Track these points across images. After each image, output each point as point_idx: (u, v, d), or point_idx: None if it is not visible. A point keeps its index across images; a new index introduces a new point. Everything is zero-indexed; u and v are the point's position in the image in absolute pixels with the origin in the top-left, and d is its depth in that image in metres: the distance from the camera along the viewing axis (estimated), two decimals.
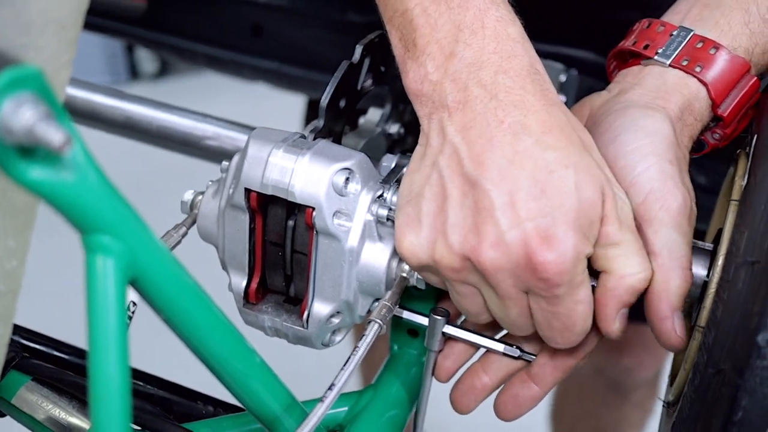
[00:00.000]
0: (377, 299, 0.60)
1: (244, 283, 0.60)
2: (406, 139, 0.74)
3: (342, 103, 0.62)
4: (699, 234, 0.59)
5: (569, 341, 0.54)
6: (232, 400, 0.56)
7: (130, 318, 0.54)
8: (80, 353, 0.67)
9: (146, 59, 3.22)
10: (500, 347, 0.61)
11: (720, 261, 0.56)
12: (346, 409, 0.64)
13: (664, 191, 0.54)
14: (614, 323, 0.54)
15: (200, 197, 0.62)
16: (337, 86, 0.60)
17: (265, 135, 0.58)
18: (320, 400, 0.53)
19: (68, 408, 0.61)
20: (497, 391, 0.63)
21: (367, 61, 0.63)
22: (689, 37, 0.59)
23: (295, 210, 0.58)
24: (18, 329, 0.66)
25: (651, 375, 1.32)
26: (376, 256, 0.58)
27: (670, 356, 1.32)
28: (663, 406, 0.63)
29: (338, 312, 0.60)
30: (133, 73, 3.25)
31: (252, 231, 0.59)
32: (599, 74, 0.65)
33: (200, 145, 0.83)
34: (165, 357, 1.04)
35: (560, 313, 0.52)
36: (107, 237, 0.40)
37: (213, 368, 0.50)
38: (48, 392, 0.61)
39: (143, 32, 1.11)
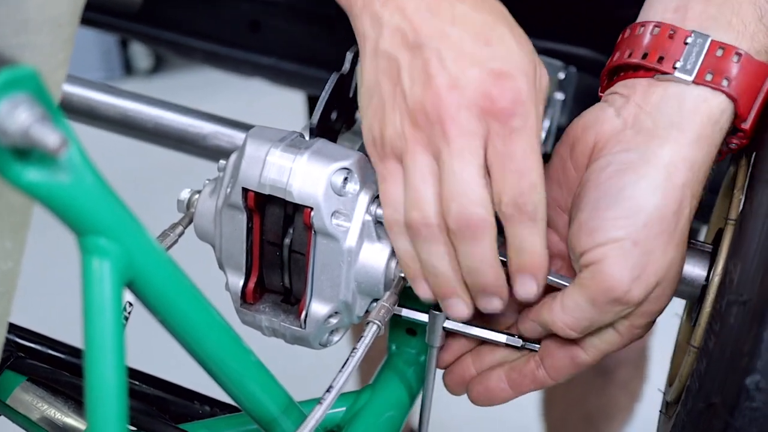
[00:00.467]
0: (375, 299, 0.59)
1: (242, 282, 0.60)
2: None
3: (334, 116, 0.61)
4: (693, 232, 0.58)
5: (522, 190, 0.52)
6: (229, 400, 0.55)
7: (126, 319, 0.53)
8: (76, 353, 0.66)
9: (141, 55, 3.21)
10: (502, 338, 0.61)
11: (719, 266, 0.56)
12: (344, 409, 0.64)
13: (607, 270, 0.52)
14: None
15: (197, 196, 0.62)
16: (328, 101, 0.60)
17: (263, 134, 0.57)
18: (318, 401, 0.52)
19: (64, 408, 0.60)
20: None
21: (358, 67, 0.62)
22: (707, 44, 0.53)
23: (293, 210, 0.57)
24: (13, 328, 0.66)
25: (632, 354, 1.33)
26: (375, 257, 0.57)
27: (653, 337, 1.32)
28: (660, 412, 0.64)
29: (336, 312, 0.59)
30: (128, 68, 3.24)
31: (249, 230, 0.58)
32: (598, 71, 0.63)
33: (197, 143, 0.82)
34: (161, 356, 1.03)
35: (515, 152, 0.52)
36: (103, 239, 0.39)
37: (209, 369, 0.50)
38: (43, 392, 0.61)
39: (140, 27, 1.10)
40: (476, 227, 0.52)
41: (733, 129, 0.55)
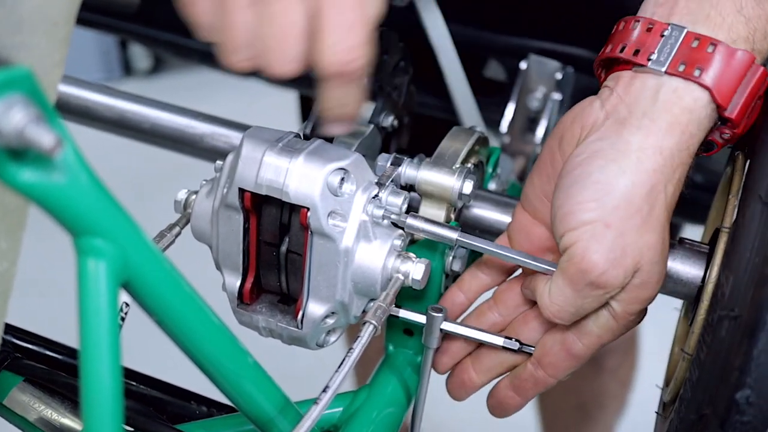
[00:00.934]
0: (372, 299, 0.59)
1: (238, 283, 0.60)
2: (401, 131, 0.74)
3: None
4: (674, 228, 0.59)
5: (351, 48, 0.50)
6: (226, 400, 0.55)
7: (123, 320, 0.53)
8: (73, 353, 0.66)
9: (140, 56, 3.21)
10: (499, 341, 0.61)
11: (714, 272, 0.56)
12: (340, 409, 0.64)
13: (582, 252, 0.54)
14: None
15: (194, 197, 0.62)
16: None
17: (260, 134, 0.57)
18: (315, 401, 0.52)
19: (60, 409, 0.60)
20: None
21: None
22: (682, 36, 0.54)
23: (290, 210, 0.57)
24: (10, 329, 0.66)
25: (620, 342, 1.33)
26: (371, 257, 0.57)
27: (641, 327, 1.33)
28: (657, 414, 0.64)
29: (333, 312, 0.59)
30: (127, 69, 3.24)
31: (246, 231, 0.58)
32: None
33: (194, 144, 0.82)
34: (158, 357, 1.03)
35: (275, 12, 0.49)
36: (99, 240, 0.39)
37: (206, 370, 0.50)
38: (40, 393, 0.61)
39: (138, 28, 1.10)
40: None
41: (723, 119, 0.56)
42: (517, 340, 0.61)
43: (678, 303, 0.67)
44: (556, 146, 0.59)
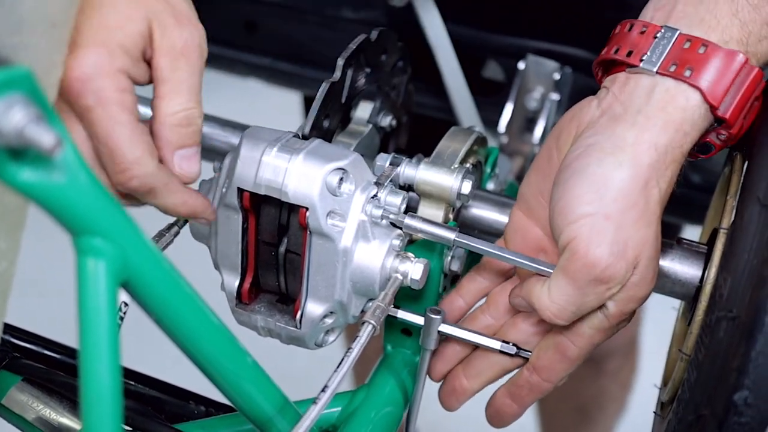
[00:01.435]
0: (371, 299, 0.59)
1: (237, 283, 0.60)
2: (399, 131, 0.74)
3: (326, 123, 0.61)
4: (673, 228, 0.59)
5: (123, 170, 0.51)
6: (224, 400, 0.55)
7: (122, 319, 0.53)
8: (72, 352, 0.66)
9: None
10: (496, 344, 0.61)
11: (712, 273, 0.56)
12: (339, 409, 0.64)
13: (584, 247, 0.54)
14: (173, 163, 0.54)
15: None
16: (319, 110, 0.59)
17: (258, 134, 0.57)
18: (313, 401, 0.52)
19: (59, 408, 0.60)
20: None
21: (350, 72, 0.62)
22: (675, 37, 0.55)
23: (289, 210, 0.57)
24: (8, 328, 0.66)
25: (621, 345, 1.34)
26: (370, 257, 0.57)
27: (641, 327, 1.33)
28: (655, 414, 0.64)
29: (332, 312, 0.59)
30: None
31: (245, 231, 0.58)
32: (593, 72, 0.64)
33: None
34: (157, 356, 1.03)
35: (99, 134, 0.50)
36: (98, 239, 0.39)
37: (205, 369, 0.50)
38: (39, 392, 0.61)
39: None
40: (137, 189, 0.52)
41: (719, 120, 0.56)
42: (514, 345, 0.61)
43: (676, 302, 0.67)
44: (553, 144, 0.60)
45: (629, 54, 0.57)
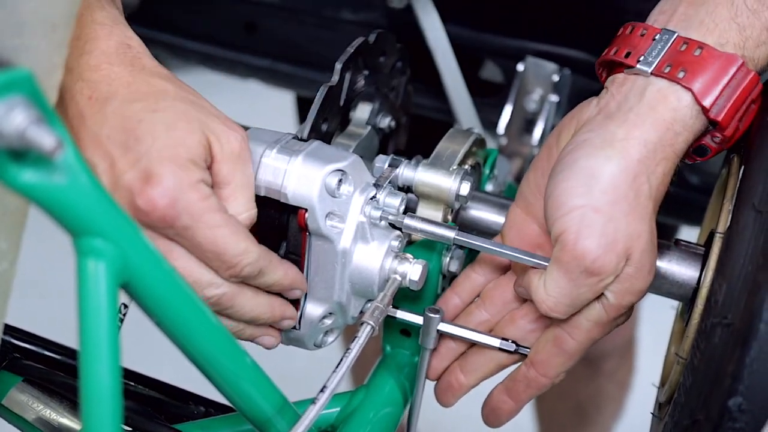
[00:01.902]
0: (370, 300, 0.60)
1: None
2: (398, 132, 0.74)
3: (324, 126, 0.61)
4: (671, 229, 0.59)
5: (230, 265, 0.53)
6: (224, 400, 0.56)
7: (122, 320, 0.53)
8: (72, 353, 0.66)
9: None
10: (496, 342, 0.62)
11: (708, 276, 0.57)
12: (338, 409, 0.64)
13: (573, 239, 0.54)
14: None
15: None
16: (317, 115, 0.59)
17: (258, 136, 0.58)
18: (312, 401, 0.52)
19: (59, 409, 0.60)
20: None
21: (348, 76, 0.62)
22: (672, 40, 0.56)
23: (288, 211, 0.58)
24: (9, 329, 0.66)
25: (617, 344, 1.34)
26: (369, 258, 0.57)
27: (639, 327, 1.33)
28: (653, 415, 0.64)
29: (331, 313, 0.60)
30: None
31: None
32: (592, 73, 0.64)
33: None
34: (157, 357, 1.03)
35: (202, 243, 0.51)
36: (99, 240, 0.39)
37: (204, 370, 0.50)
38: (39, 393, 0.61)
39: (136, 29, 1.10)
40: (222, 302, 0.54)
41: (713, 123, 0.57)
42: (513, 342, 0.61)
43: (674, 302, 0.67)
44: (554, 142, 0.61)
45: (627, 55, 0.58)
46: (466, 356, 0.64)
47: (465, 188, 0.63)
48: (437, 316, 0.61)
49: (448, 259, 0.65)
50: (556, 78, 0.91)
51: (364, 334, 0.56)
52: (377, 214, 0.57)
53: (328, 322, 0.60)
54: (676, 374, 0.59)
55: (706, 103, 0.55)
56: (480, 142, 0.69)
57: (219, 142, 0.53)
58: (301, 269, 0.58)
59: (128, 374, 0.65)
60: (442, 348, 0.64)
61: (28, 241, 0.50)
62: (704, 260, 0.60)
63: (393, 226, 0.59)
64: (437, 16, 0.85)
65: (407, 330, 0.68)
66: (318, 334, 0.61)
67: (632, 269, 0.55)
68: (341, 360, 0.55)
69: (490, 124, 0.94)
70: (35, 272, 1.97)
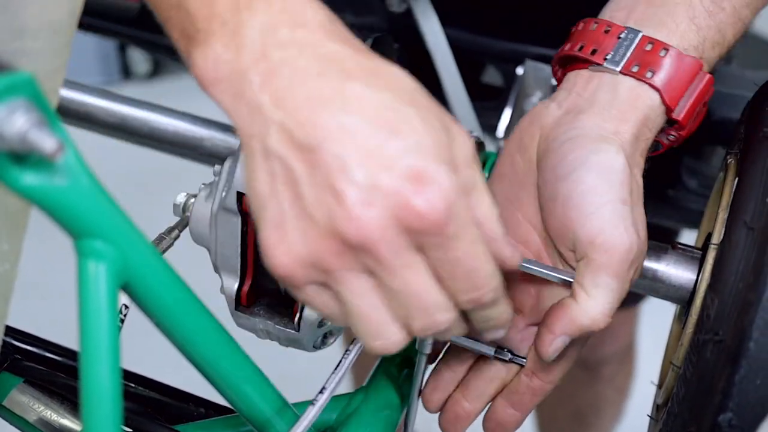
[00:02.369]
0: None
1: (237, 286, 0.60)
2: None
3: None
4: (669, 232, 0.59)
5: (477, 287, 0.47)
6: (223, 402, 0.56)
7: (122, 321, 0.54)
8: (72, 355, 0.67)
9: (139, 60, 3.22)
10: (490, 351, 0.61)
11: (703, 286, 0.57)
12: (337, 411, 0.64)
13: (615, 234, 0.53)
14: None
15: (193, 200, 0.62)
16: None
17: None
18: (311, 402, 0.53)
19: (60, 410, 0.61)
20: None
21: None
22: (638, 39, 0.57)
23: None
24: (10, 331, 0.66)
25: (617, 349, 1.34)
26: None
27: (638, 332, 1.33)
28: (650, 417, 0.64)
29: None
30: (126, 73, 3.25)
31: (244, 234, 0.59)
32: None
33: (193, 148, 0.83)
34: (157, 358, 1.04)
35: (459, 258, 0.45)
36: (99, 242, 0.40)
37: (204, 371, 0.50)
38: (40, 394, 0.61)
39: (137, 32, 1.11)
40: (446, 330, 0.48)
41: (670, 121, 0.58)
42: (509, 351, 0.61)
43: (674, 308, 0.68)
44: (515, 149, 0.60)
45: (593, 52, 0.58)
46: (467, 383, 0.62)
47: None
48: None
49: None
50: (554, 81, 0.91)
51: None
52: None
53: (327, 323, 0.60)
54: (671, 380, 0.59)
55: (672, 103, 0.56)
56: (478, 146, 0.69)
57: (456, 141, 0.46)
58: None
59: (129, 375, 0.66)
60: (440, 379, 0.63)
61: (30, 243, 0.50)
62: (701, 264, 0.60)
63: None
64: (437, 20, 0.86)
65: None
66: (317, 336, 0.61)
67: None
68: (340, 361, 0.55)
69: (489, 128, 0.94)
70: (36, 274, 1.97)
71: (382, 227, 0.43)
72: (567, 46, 0.60)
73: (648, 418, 0.66)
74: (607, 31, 0.58)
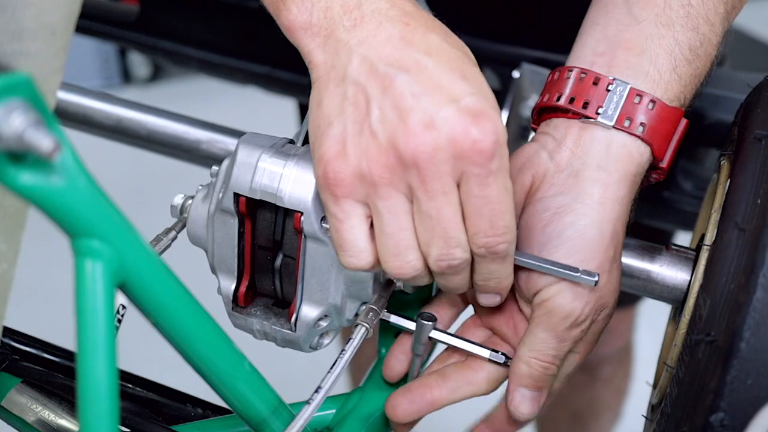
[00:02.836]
0: (365, 303, 0.60)
1: (233, 286, 0.61)
2: None
3: None
4: (664, 234, 0.60)
5: (496, 233, 0.52)
6: (220, 402, 0.56)
7: (120, 321, 0.54)
8: (71, 355, 0.67)
9: (139, 64, 3.23)
10: (486, 353, 0.62)
11: (696, 287, 0.57)
12: (333, 411, 0.65)
13: (558, 303, 0.57)
14: None
15: (190, 201, 0.63)
16: None
17: (254, 140, 0.58)
18: (307, 402, 0.53)
19: (58, 410, 0.61)
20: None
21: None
22: (627, 92, 0.57)
23: (284, 214, 0.58)
24: (8, 332, 0.66)
25: (614, 351, 1.34)
26: None
27: (635, 333, 1.33)
28: (646, 418, 0.65)
29: (326, 315, 0.60)
30: (126, 77, 3.25)
31: (241, 235, 0.59)
32: None
33: (191, 150, 0.83)
34: (154, 359, 1.04)
35: (491, 195, 0.50)
36: (96, 241, 0.40)
37: (201, 371, 0.51)
38: (38, 394, 0.61)
39: (136, 36, 1.11)
40: (457, 267, 0.53)
41: (653, 165, 0.60)
42: (503, 354, 0.62)
43: (669, 310, 0.68)
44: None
45: (585, 105, 0.58)
46: (446, 373, 0.63)
47: None
48: (430, 323, 0.61)
49: None
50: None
51: (358, 335, 0.57)
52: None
53: (323, 324, 0.60)
54: (664, 381, 0.60)
55: (661, 155, 0.58)
56: None
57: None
58: (297, 271, 0.59)
59: (127, 376, 0.66)
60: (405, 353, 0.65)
61: (27, 244, 0.51)
62: (695, 265, 0.61)
63: None
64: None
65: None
66: (314, 337, 0.61)
67: (602, 315, 0.59)
68: (336, 361, 0.56)
69: None
70: (35, 274, 1.98)
71: (436, 148, 0.48)
72: (555, 97, 0.60)
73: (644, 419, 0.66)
74: (595, 83, 0.58)
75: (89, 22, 1.09)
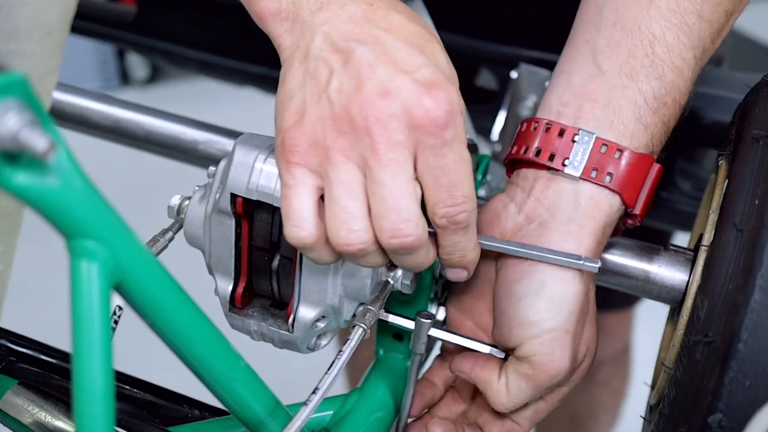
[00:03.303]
0: (362, 303, 0.60)
1: (230, 287, 0.61)
2: None
3: None
4: (662, 234, 0.60)
5: (456, 202, 0.52)
6: (217, 403, 0.56)
7: (116, 322, 0.54)
8: (67, 357, 0.67)
9: (137, 65, 3.22)
10: (486, 349, 0.62)
11: (693, 287, 0.57)
12: (331, 412, 0.65)
13: (546, 360, 0.58)
14: None
15: (187, 202, 0.62)
16: None
17: (252, 141, 0.58)
18: (304, 403, 0.53)
19: (54, 412, 0.61)
20: None
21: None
22: (593, 142, 0.57)
23: (281, 214, 0.58)
24: (4, 333, 0.66)
25: (611, 354, 1.35)
26: None
27: (634, 334, 1.33)
28: (644, 419, 0.65)
29: (324, 316, 0.60)
30: (124, 78, 3.25)
31: (238, 236, 0.59)
32: None
33: (188, 151, 0.83)
34: (151, 360, 1.04)
35: (448, 165, 0.51)
36: (92, 242, 0.40)
37: (198, 372, 0.51)
38: (34, 396, 0.61)
39: (134, 37, 1.11)
40: (410, 246, 0.52)
41: (630, 213, 0.60)
42: (503, 349, 0.62)
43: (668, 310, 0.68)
44: None
45: (551, 158, 0.58)
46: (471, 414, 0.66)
47: None
48: (428, 321, 0.61)
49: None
50: (548, 84, 0.91)
51: (356, 336, 0.57)
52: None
53: (321, 325, 0.60)
54: (663, 381, 0.59)
55: (632, 203, 0.58)
56: (472, 148, 0.69)
57: None
58: (294, 272, 0.58)
59: (123, 377, 0.66)
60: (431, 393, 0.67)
61: (23, 244, 0.50)
62: (693, 266, 0.60)
63: None
64: (431, 23, 0.86)
65: (400, 334, 0.68)
66: (311, 338, 0.61)
67: (584, 366, 0.61)
68: (333, 362, 0.55)
69: (484, 131, 0.95)
70: (31, 275, 1.97)
71: (389, 115, 0.49)
72: (522, 149, 0.60)
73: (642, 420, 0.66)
74: (561, 135, 0.58)
75: (87, 23, 1.09)
